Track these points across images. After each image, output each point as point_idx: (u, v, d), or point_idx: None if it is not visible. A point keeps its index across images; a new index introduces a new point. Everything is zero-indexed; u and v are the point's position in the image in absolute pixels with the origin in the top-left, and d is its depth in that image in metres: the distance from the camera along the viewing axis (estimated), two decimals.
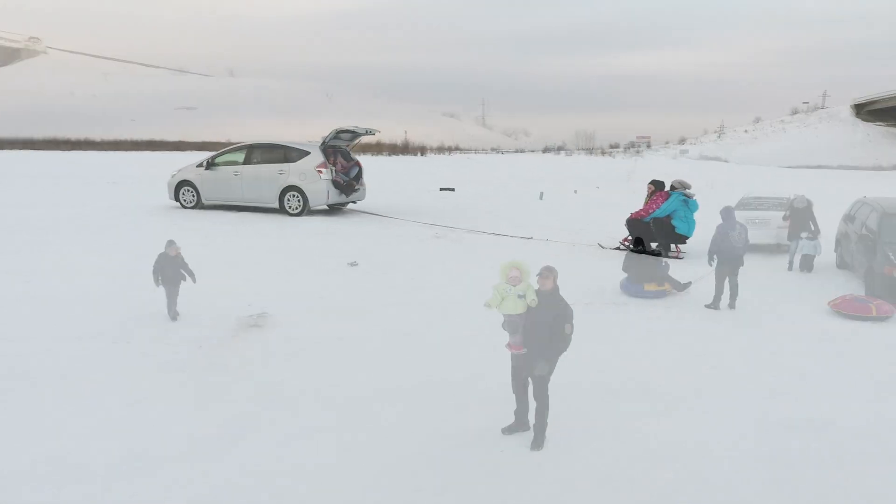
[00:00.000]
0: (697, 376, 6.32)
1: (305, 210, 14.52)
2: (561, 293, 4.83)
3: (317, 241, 12.48)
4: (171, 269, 7.52)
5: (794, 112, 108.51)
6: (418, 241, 12.99)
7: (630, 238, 12.74)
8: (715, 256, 8.82)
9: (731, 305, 8.76)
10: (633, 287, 9.55)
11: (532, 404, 4.97)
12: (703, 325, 8.15)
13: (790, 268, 11.22)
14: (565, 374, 4.98)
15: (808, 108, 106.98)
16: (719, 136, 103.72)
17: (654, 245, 12.18)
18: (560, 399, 5.01)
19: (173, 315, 7.56)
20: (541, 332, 4.72)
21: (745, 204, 13.77)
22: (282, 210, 14.62)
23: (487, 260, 9.62)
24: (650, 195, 12.93)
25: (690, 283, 9.75)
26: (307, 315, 8.00)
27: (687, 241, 12.31)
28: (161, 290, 7.58)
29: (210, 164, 15.14)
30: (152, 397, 5.66)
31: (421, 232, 13.83)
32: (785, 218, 11.88)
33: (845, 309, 8.32)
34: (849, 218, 11.53)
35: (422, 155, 37.79)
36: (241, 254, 11.14)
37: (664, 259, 10.01)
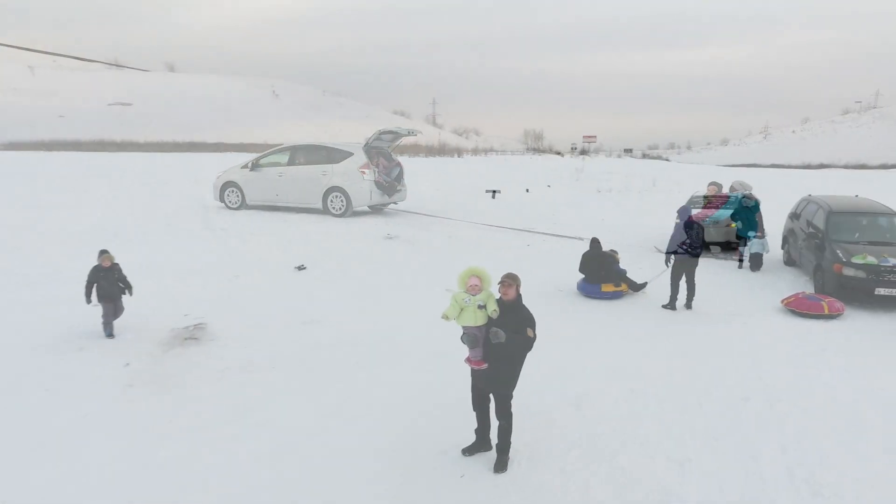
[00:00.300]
0: (673, 383, 6.11)
1: (348, 211, 14.27)
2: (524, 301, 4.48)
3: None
4: (107, 283, 6.76)
5: (846, 112, 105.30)
6: (388, 241, 12.48)
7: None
8: (672, 256, 8.71)
9: (688, 306, 8.68)
10: (589, 288, 9.37)
11: (494, 422, 4.60)
12: (671, 327, 8.03)
13: (740, 266, 11.30)
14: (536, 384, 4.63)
15: (861, 108, 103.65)
16: (765, 137, 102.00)
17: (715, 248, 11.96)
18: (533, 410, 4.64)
19: (109, 332, 6.84)
20: (503, 344, 4.34)
21: (694, 202, 13.89)
22: (325, 211, 14.38)
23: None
24: (710, 197, 12.68)
25: (647, 283, 9.65)
26: (273, 322, 7.56)
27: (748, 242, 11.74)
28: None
29: (255, 165, 14.96)
30: (104, 411, 5.24)
31: (414, 233, 13.33)
32: (734, 217, 11.90)
33: (798, 307, 8.37)
34: (794, 216, 11.75)
35: (458, 156, 37.82)
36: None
37: (618, 262, 9.82)
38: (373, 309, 8.32)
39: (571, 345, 7.03)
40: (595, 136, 66.41)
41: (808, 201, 11.44)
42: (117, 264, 6.90)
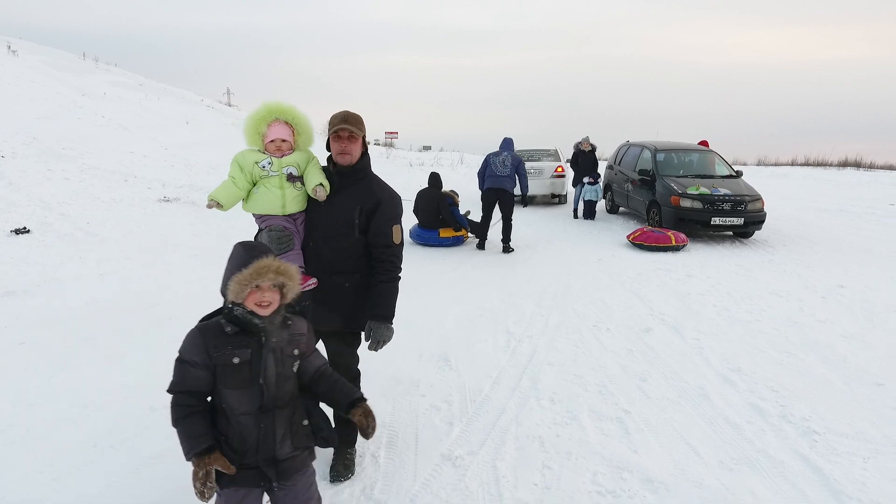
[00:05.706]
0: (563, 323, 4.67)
1: None
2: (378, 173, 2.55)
3: None
4: None
5: None
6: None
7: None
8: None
9: (506, 248, 7.49)
10: (425, 234, 7.76)
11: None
12: (528, 270, 6.68)
13: (576, 216, 10.63)
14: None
15: None
16: None
17: None
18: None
19: None
20: (341, 247, 2.35)
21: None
22: None
23: None
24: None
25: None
26: None
27: None
28: None
29: None
30: None
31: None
32: (573, 162, 11.07)
33: (646, 241, 7.73)
34: (615, 163, 11.47)
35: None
36: None
37: (457, 205, 8.34)
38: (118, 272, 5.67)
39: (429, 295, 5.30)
40: (397, 133, 66.49)
41: (627, 146, 11.21)
42: None
